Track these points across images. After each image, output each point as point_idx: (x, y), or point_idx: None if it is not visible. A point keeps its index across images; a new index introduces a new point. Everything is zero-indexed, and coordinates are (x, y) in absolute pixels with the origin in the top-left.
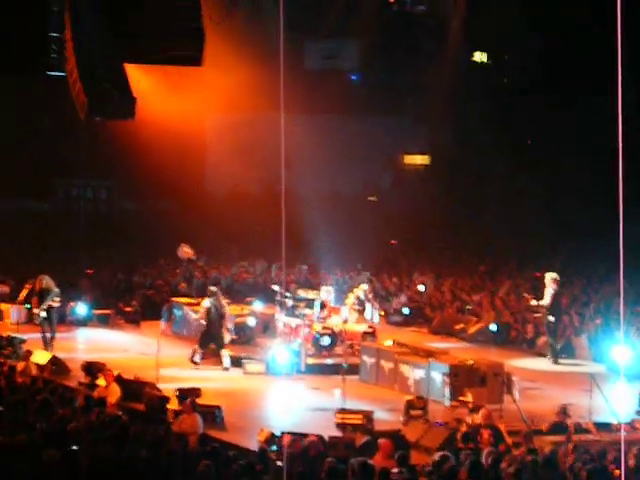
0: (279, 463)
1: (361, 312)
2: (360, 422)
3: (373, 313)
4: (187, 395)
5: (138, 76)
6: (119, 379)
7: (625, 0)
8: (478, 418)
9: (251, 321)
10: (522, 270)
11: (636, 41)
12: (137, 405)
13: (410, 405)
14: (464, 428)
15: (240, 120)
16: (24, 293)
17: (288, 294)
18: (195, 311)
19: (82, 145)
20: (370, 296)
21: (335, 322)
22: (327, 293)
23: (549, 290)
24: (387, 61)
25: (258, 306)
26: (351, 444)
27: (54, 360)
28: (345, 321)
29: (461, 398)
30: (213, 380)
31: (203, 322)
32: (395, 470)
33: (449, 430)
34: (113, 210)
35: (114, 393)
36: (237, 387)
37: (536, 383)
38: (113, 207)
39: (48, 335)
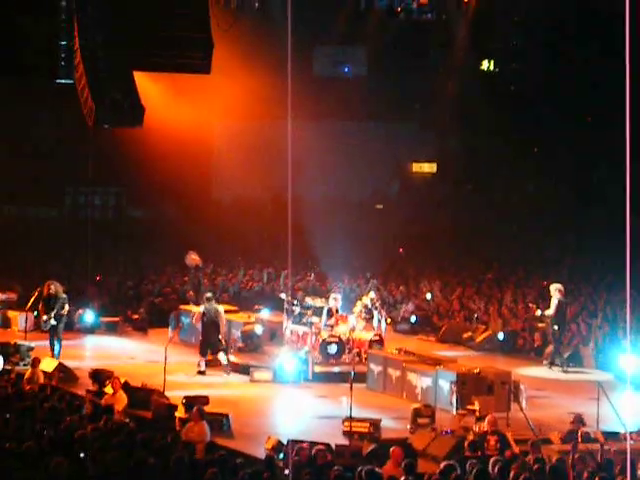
0: (286, 471)
1: (368, 320)
2: (367, 430)
3: (380, 321)
4: (194, 403)
5: (146, 84)
6: (126, 387)
7: (632, 6)
8: (485, 426)
9: (258, 329)
10: (529, 278)
11: None
12: (144, 413)
13: (417, 413)
14: (471, 436)
15: (248, 127)
16: (32, 300)
17: (295, 302)
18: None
19: (90, 153)
20: (377, 304)
21: (342, 330)
22: (334, 301)
23: (554, 300)
24: (395, 68)
25: (265, 314)
26: (358, 452)
27: (61, 367)
28: (352, 329)
29: (468, 406)
30: (220, 388)
31: (197, 326)
32: (402, 479)
33: (456, 438)
34: (121, 217)
35: (121, 401)
36: (244, 395)
37: (543, 392)
38: (121, 214)
39: (55, 342)
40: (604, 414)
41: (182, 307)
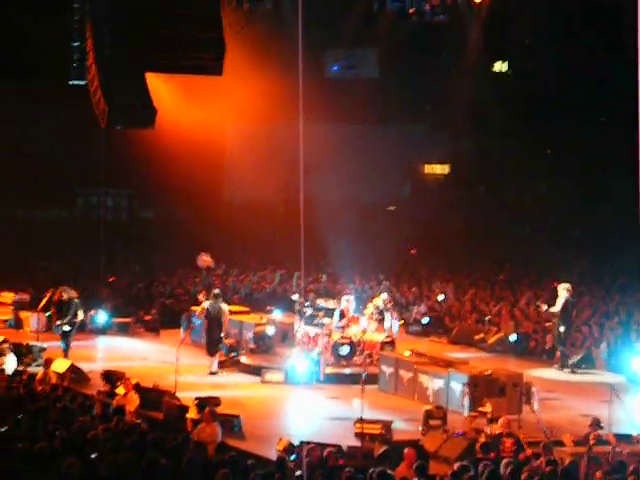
0: (297, 472)
1: (380, 322)
2: (379, 432)
3: (392, 323)
4: (206, 404)
5: (158, 85)
6: (138, 387)
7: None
8: (497, 428)
9: (270, 330)
10: (541, 280)
11: None
12: (156, 414)
13: (429, 415)
14: (483, 438)
15: (260, 129)
16: (43, 301)
17: (307, 303)
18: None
19: (102, 154)
20: (389, 306)
21: (354, 331)
22: (346, 302)
23: (561, 298)
24: (407, 70)
25: (277, 315)
26: (370, 454)
27: (73, 368)
28: (364, 331)
29: (480, 408)
30: (232, 389)
31: (200, 320)
32: None
33: (468, 440)
34: (133, 218)
35: (132, 402)
36: (256, 396)
37: (555, 394)
38: (133, 216)
39: (64, 345)
40: (616, 416)
41: (193, 308)
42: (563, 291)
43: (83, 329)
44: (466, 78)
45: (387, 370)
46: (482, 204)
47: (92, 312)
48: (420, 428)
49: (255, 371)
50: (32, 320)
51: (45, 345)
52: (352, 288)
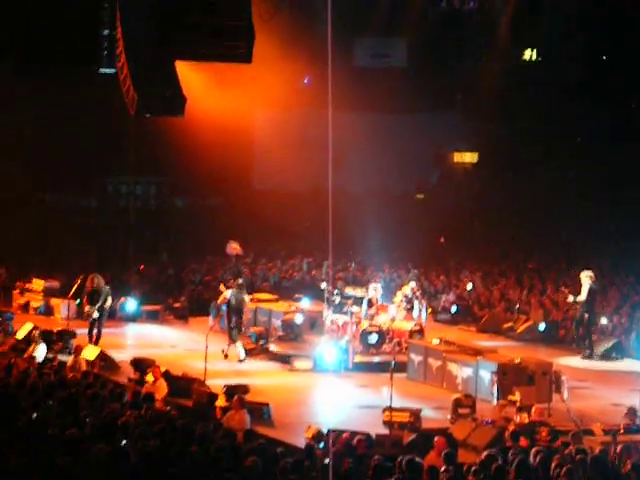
0: (326, 460)
1: (409, 310)
2: (407, 420)
3: (421, 311)
4: (235, 392)
5: (188, 73)
6: (167, 375)
7: None
8: (526, 417)
9: (299, 318)
10: (570, 268)
11: None
12: (185, 401)
13: (458, 403)
14: (512, 427)
15: (289, 117)
16: (74, 288)
17: (336, 291)
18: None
19: (132, 142)
20: (418, 294)
21: (383, 320)
22: (375, 291)
23: (585, 287)
24: (436, 58)
25: (306, 303)
26: (398, 442)
27: (102, 356)
28: (393, 319)
29: (509, 397)
30: (261, 376)
31: (223, 309)
32: (443, 468)
33: (497, 429)
34: (163, 207)
35: (162, 389)
36: (284, 384)
37: (585, 382)
38: (163, 204)
39: (95, 332)
40: None
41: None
42: (586, 279)
43: (113, 317)
44: (495, 66)
45: (416, 358)
46: (511, 192)
47: (122, 300)
48: (449, 416)
49: (284, 359)
50: (62, 307)
51: (76, 332)
52: (381, 276)
